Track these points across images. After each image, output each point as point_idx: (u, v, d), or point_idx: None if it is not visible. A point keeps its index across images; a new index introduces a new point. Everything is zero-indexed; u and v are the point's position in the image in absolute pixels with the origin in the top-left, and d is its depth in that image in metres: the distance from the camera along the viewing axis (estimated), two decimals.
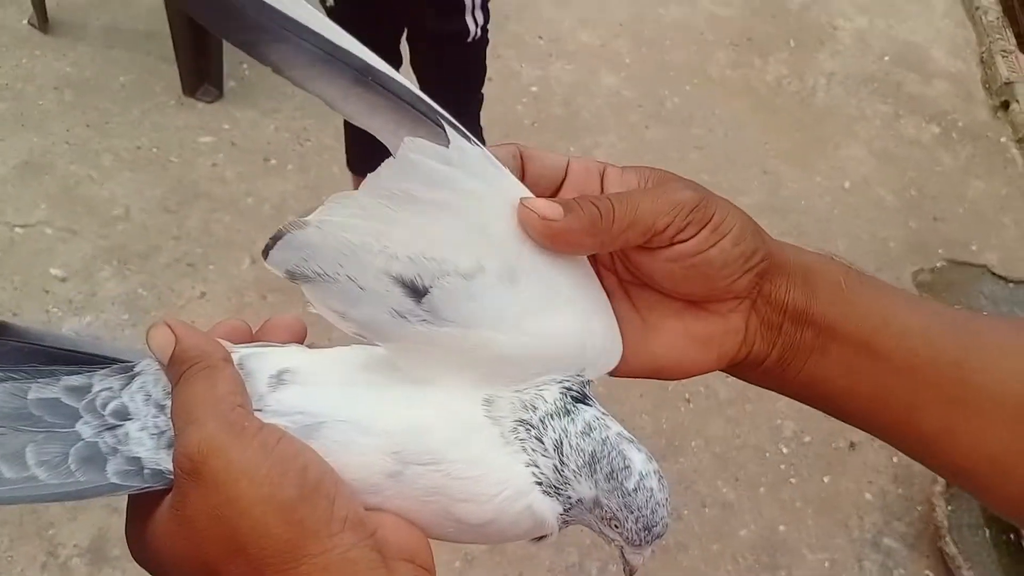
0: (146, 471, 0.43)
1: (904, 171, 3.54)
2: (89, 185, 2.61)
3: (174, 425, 0.42)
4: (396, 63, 2.08)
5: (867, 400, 0.52)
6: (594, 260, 0.52)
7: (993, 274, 3.13)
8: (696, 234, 0.47)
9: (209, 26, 0.44)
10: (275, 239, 0.43)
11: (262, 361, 0.47)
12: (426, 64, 2.14)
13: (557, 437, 0.46)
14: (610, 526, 0.46)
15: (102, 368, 0.47)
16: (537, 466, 0.46)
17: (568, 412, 0.46)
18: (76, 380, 0.46)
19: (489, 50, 2.13)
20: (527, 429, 0.46)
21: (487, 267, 0.44)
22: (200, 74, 2.95)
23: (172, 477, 0.42)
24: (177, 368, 0.44)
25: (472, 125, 2.20)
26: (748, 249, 0.49)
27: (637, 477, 0.45)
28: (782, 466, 2.37)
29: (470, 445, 0.45)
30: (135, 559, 0.45)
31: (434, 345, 0.45)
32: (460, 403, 0.46)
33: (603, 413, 0.47)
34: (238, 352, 0.47)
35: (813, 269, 0.52)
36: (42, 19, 3.06)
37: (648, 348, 0.52)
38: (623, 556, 0.48)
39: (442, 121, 0.45)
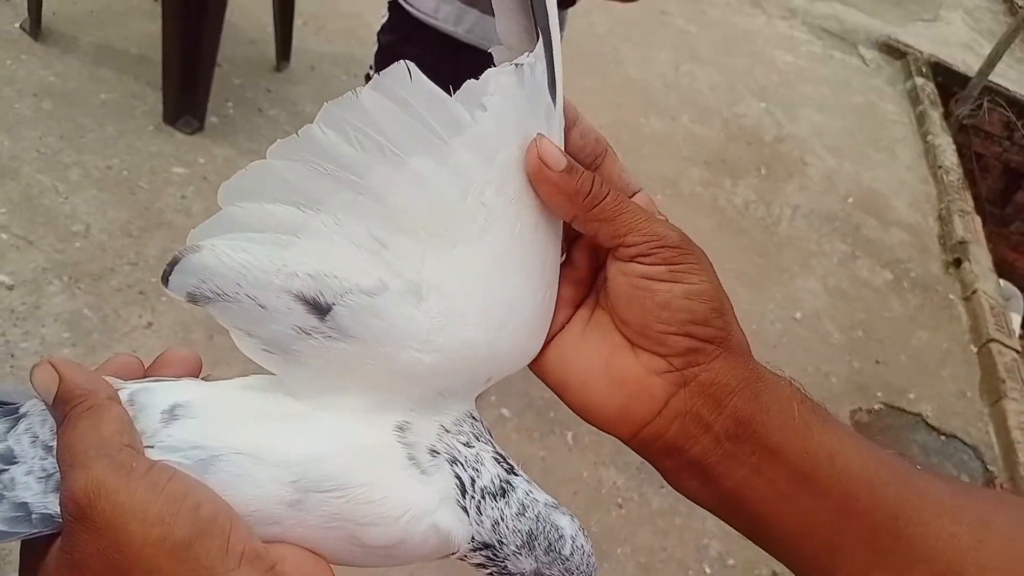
0: (34, 516, 0.41)
1: (854, 311, 3.64)
2: (53, 196, 2.56)
3: (60, 468, 0.41)
4: None
5: (791, 529, 0.51)
6: (594, 280, 0.53)
7: (927, 424, 3.20)
8: (654, 264, 0.48)
9: None
10: (172, 265, 0.43)
11: (154, 396, 0.45)
12: None
13: (496, 517, 0.46)
14: None
15: None
16: (461, 483, 0.46)
17: (504, 493, 0.47)
18: None
19: None
20: (472, 491, 0.46)
21: (390, 285, 0.44)
22: (183, 104, 2.94)
23: (61, 521, 0.40)
24: (62, 408, 0.42)
25: None
26: (697, 313, 0.48)
27: (570, 542, 0.46)
28: None
29: (371, 468, 0.44)
30: None
31: (336, 360, 0.44)
32: (362, 428, 0.45)
33: (528, 483, 0.48)
34: (129, 388, 0.46)
35: (769, 386, 0.51)
36: (35, 25, 3.04)
37: (568, 359, 0.52)
38: None
39: (539, 32, 0.46)
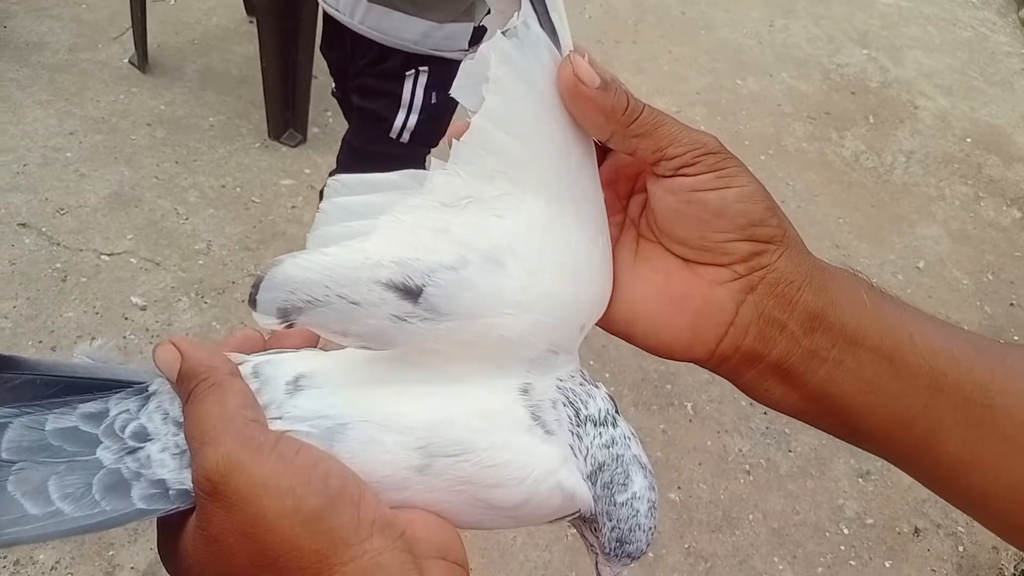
0: (171, 492, 0.42)
1: (982, 254, 3.48)
2: (174, 219, 2.70)
3: (189, 446, 0.42)
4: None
5: (886, 420, 0.49)
6: (624, 212, 0.53)
7: None
8: (700, 173, 0.47)
9: None
10: (256, 286, 0.42)
11: (277, 368, 0.46)
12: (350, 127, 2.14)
13: (588, 442, 0.47)
14: (590, 529, 0.48)
15: (117, 392, 0.46)
16: (577, 447, 0.47)
17: (604, 423, 0.47)
18: (92, 407, 0.45)
19: None
20: (576, 420, 0.47)
21: (469, 258, 0.44)
22: (286, 119, 3.06)
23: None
24: (186, 385, 0.43)
25: None
26: (754, 214, 0.48)
27: (629, 495, 0.47)
28: (842, 547, 2.30)
29: (496, 431, 0.45)
30: (171, 575, 0.45)
31: (440, 341, 0.44)
32: (484, 392, 0.46)
33: (632, 434, 0.48)
34: (252, 361, 0.47)
35: (835, 277, 0.50)
36: (142, 59, 3.21)
37: (626, 295, 0.51)
38: (596, 567, 0.49)
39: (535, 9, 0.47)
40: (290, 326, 0.43)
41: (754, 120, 3.89)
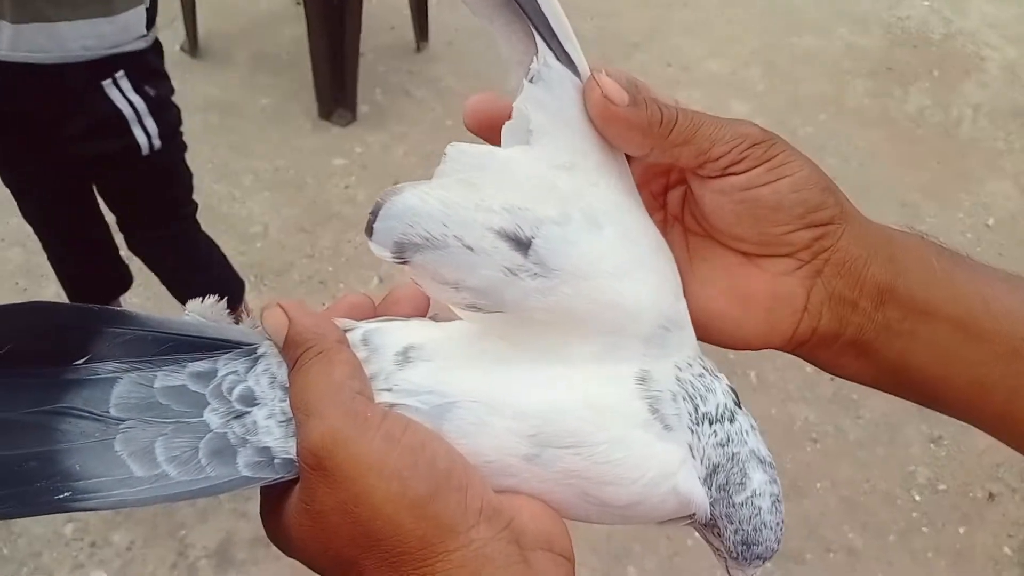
0: (276, 461, 0.42)
1: None
2: (231, 203, 2.73)
3: (294, 416, 0.41)
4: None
5: (964, 388, 0.48)
6: (663, 209, 0.52)
7: None
8: (750, 169, 0.45)
9: None
10: (375, 212, 0.42)
11: (387, 337, 0.46)
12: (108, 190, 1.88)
13: (706, 441, 0.45)
14: (713, 534, 0.46)
15: (225, 352, 0.46)
16: (696, 446, 0.45)
17: (721, 419, 0.45)
18: (201, 366, 0.45)
19: None
20: (695, 417, 0.45)
21: (572, 216, 0.43)
22: (335, 99, 3.07)
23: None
24: (292, 352, 0.43)
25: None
26: (811, 201, 0.46)
27: (748, 493, 0.44)
28: (914, 514, 2.25)
29: (612, 426, 0.43)
30: (273, 543, 0.44)
31: (550, 308, 0.43)
32: (601, 381, 0.44)
33: (751, 427, 0.46)
34: (361, 328, 0.46)
35: (901, 245, 0.48)
36: (193, 45, 3.25)
37: (694, 302, 0.49)
38: (727, 570, 0.47)
39: (534, 26, 0.45)
40: (404, 263, 0.42)
41: (813, 79, 3.79)
